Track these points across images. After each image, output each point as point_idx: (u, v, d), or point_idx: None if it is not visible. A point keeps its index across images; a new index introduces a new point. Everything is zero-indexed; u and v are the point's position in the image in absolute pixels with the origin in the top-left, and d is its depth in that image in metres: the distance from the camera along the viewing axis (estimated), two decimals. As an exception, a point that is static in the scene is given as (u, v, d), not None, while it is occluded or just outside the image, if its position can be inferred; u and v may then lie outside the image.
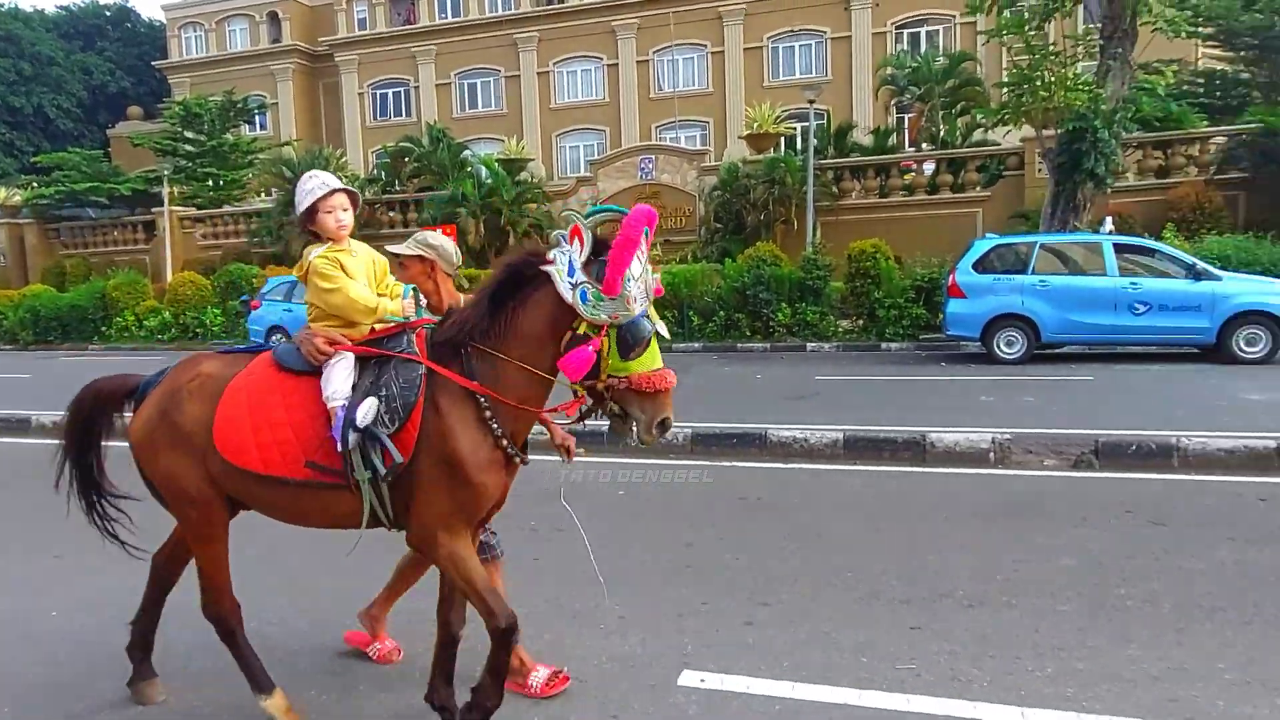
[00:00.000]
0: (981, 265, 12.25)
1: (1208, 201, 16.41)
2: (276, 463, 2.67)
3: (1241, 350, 11.09)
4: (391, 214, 24.80)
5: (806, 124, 20.78)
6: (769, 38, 34.31)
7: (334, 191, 2.90)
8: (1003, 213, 18.99)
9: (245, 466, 2.69)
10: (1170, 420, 7.31)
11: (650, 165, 23.12)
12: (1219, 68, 23.36)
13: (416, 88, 38.80)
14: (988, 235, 13.56)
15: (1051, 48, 15.26)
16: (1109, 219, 13.64)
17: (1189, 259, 11.73)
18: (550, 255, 2.58)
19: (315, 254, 2.89)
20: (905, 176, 21.18)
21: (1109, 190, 15.41)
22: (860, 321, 15.27)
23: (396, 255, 3.22)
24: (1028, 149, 18.56)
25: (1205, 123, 19.35)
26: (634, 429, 2.56)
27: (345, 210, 2.93)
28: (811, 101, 19.40)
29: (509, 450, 2.67)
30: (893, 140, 25.90)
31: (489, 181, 22.65)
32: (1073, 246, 12.75)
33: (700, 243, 21.38)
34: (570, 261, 2.53)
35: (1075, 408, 8.26)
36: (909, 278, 14.84)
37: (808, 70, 33.60)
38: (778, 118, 24.00)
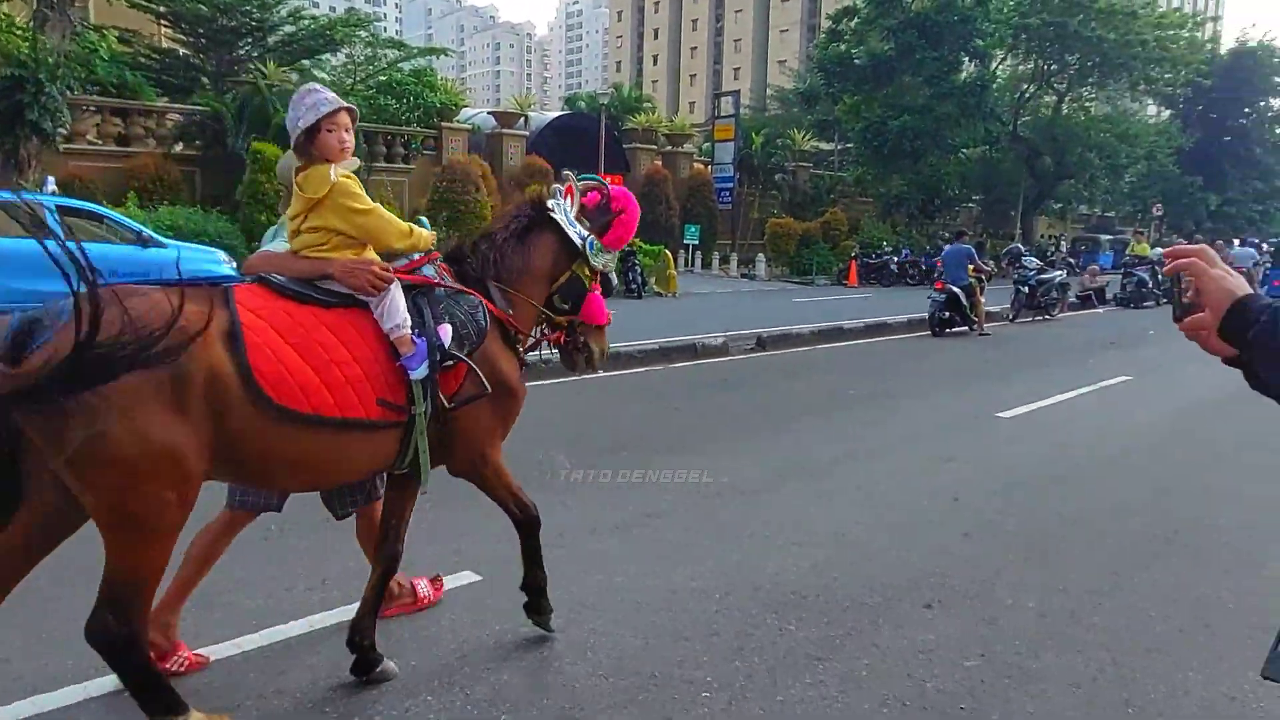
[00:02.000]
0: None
1: (166, 174, 17.04)
2: (353, 403, 2.44)
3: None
4: None
5: None
6: None
7: (340, 110, 2.60)
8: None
9: (314, 411, 2.34)
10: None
11: None
12: (181, 50, 24.39)
13: None
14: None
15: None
16: (50, 180, 12.84)
17: (138, 227, 11.98)
18: (550, 205, 3.00)
19: (337, 171, 2.57)
20: None
21: (60, 150, 14.49)
22: None
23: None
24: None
25: (164, 99, 20.02)
26: (590, 357, 3.17)
27: (349, 130, 2.63)
28: None
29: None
30: None
31: None
32: (15, 206, 11.54)
33: None
34: (565, 213, 2.99)
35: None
36: None
37: None
38: None
